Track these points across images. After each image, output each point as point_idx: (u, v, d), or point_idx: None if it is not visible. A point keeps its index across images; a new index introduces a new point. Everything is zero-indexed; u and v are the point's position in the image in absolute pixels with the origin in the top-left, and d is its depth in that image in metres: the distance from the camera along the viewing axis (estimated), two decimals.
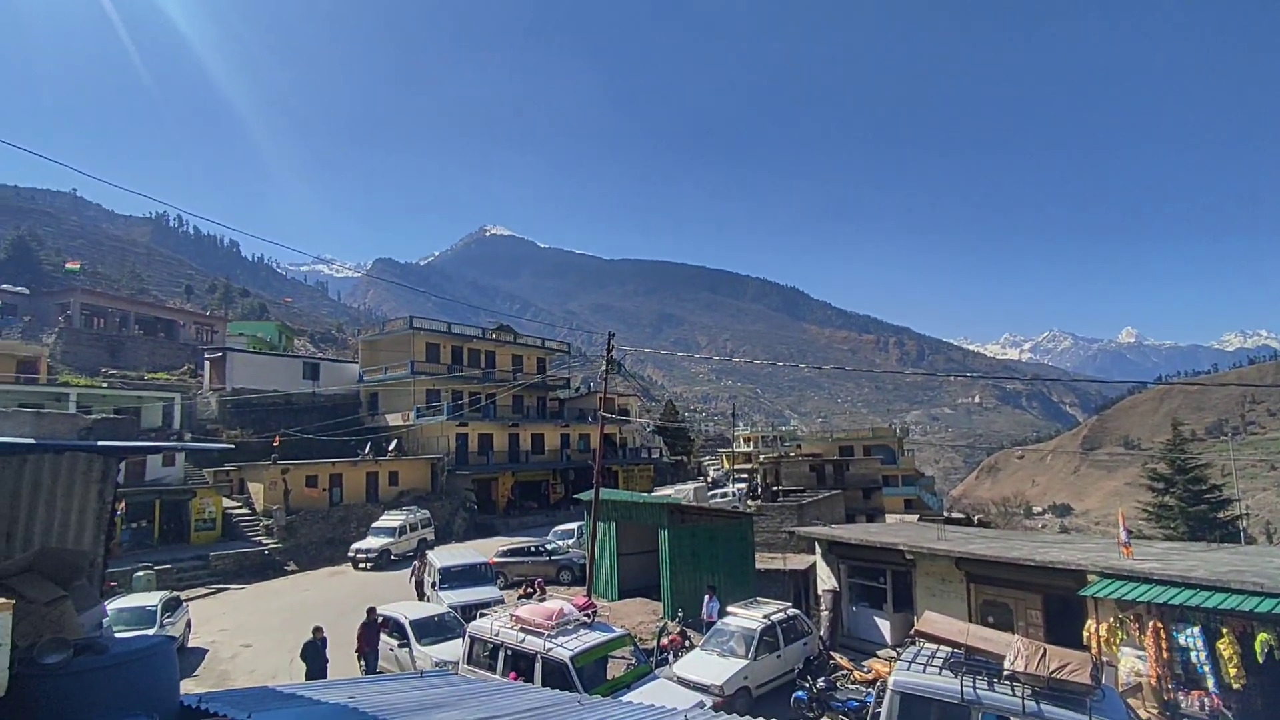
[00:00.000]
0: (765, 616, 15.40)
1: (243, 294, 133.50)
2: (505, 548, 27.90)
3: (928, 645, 11.13)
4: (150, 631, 15.43)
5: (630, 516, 23.50)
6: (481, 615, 13.94)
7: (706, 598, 18.31)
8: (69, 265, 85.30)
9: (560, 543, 28.87)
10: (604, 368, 25.79)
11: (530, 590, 21.23)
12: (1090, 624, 13.04)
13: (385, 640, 15.62)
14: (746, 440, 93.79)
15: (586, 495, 24.18)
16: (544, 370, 56.22)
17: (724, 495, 46.96)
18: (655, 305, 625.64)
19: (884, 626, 18.39)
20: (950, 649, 10.67)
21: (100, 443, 5.39)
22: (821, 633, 17.96)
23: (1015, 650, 9.35)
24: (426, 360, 46.95)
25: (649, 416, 77.31)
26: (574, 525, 31.11)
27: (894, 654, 15.84)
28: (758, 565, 22.44)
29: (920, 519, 38.23)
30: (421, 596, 17.87)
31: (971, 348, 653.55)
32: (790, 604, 17.37)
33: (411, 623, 15.43)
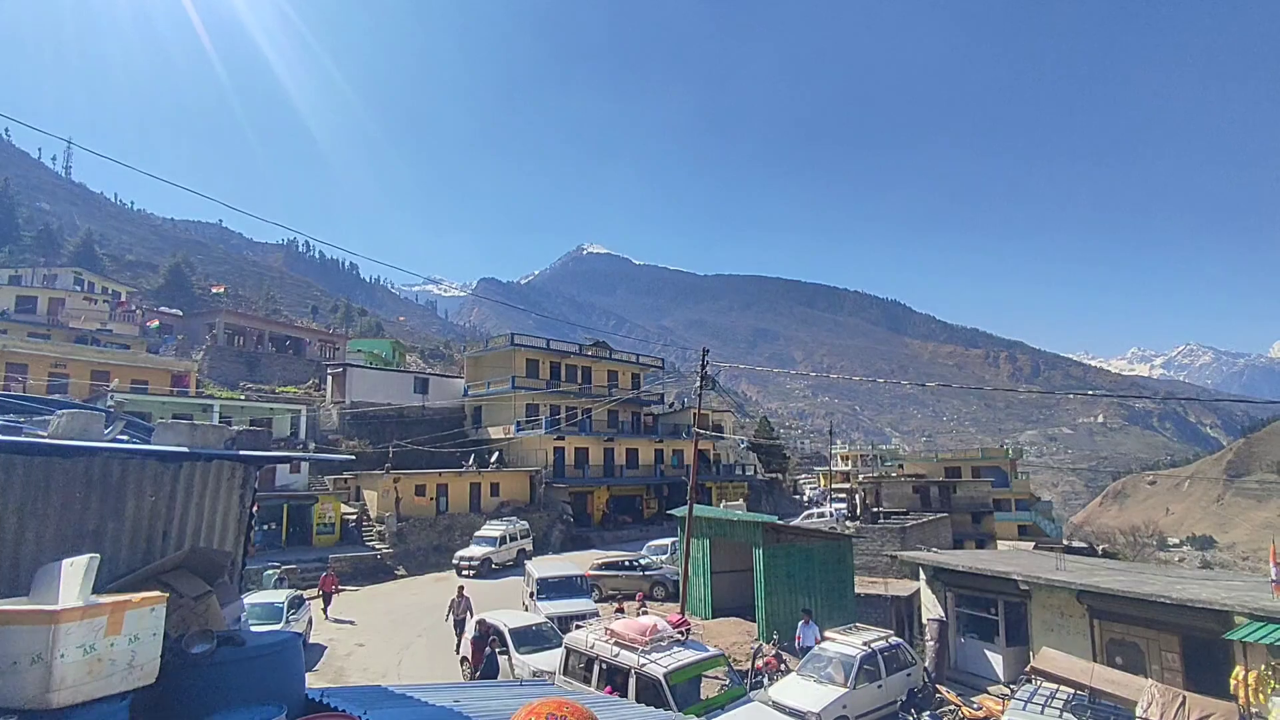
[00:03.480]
0: (865, 644, 14.84)
1: (361, 313, 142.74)
2: (600, 561, 28.28)
3: (1046, 684, 10.41)
4: (277, 626, 16.72)
5: (724, 534, 23.31)
6: (577, 627, 14.24)
7: (802, 622, 17.86)
8: (215, 289, 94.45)
9: (654, 558, 28.96)
10: (698, 384, 25.84)
11: (621, 606, 21.42)
12: (1238, 671, 11.77)
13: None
14: (844, 459, 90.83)
15: (680, 511, 24.18)
16: (638, 385, 56.81)
17: (821, 515, 45.64)
18: (750, 320, 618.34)
19: (995, 661, 17.29)
20: (1072, 690, 9.93)
21: (242, 452, 6.00)
22: (927, 664, 17.11)
23: (1149, 696, 8.61)
24: (526, 375, 48.57)
25: (743, 433, 76.40)
26: (668, 541, 31.15)
27: (1007, 691, 14.88)
28: (857, 590, 21.68)
29: (1036, 547, 35.76)
30: (460, 633, 18.52)
31: (1093, 363, 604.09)
32: (892, 632, 16.66)
33: (511, 631, 15.92)
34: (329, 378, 52.57)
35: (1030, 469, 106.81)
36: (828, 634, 15.75)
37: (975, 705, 14.50)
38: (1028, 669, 13.07)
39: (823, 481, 77.05)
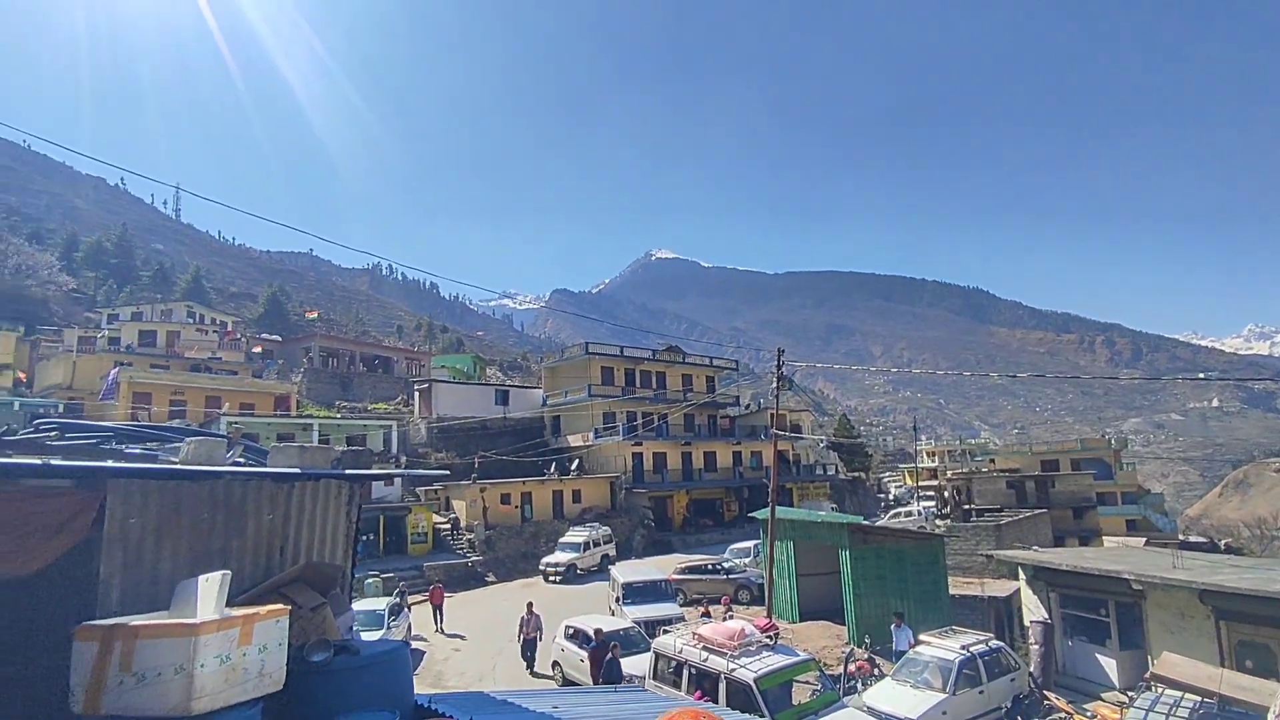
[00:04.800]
0: (964, 647, 14.26)
1: (442, 330, 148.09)
2: (683, 565, 28.32)
3: (1169, 692, 9.76)
4: (379, 633, 17.58)
5: (808, 535, 22.92)
6: (664, 631, 14.32)
7: (894, 625, 17.35)
8: (309, 314, 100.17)
9: (737, 561, 28.77)
10: (774, 384, 25.55)
11: (707, 610, 21.34)
12: None
13: (573, 650, 16.50)
14: (930, 455, 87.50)
15: (761, 513, 23.95)
16: (713, 388, 56.59)
17: (908, 514, 44.16)
18: (824, 317, 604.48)
19: (1108, 665, 16.29)
20: (1199, 698, 9.27)
21: (348, 471, 6.41)
22: (1032, 669, 16.30)
23: None
24: (602, 383, 49.21)
25: (822, 432, 74.83)
26: (750, 544, 30.88)
27: (1124, 699, 14.02)
28: (951, 591, 20.87)
29: (1148, 542, 33.46)
30: (528, 656, 18.21)
31: (1204, 343, 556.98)
32: (992, 635, 15.96)
33: (592, 633, 16.17)
34: (416, 394, 54.79)
35: (1136, 459, 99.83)
36: (922, 637, 15.24)
37: (1088, 713, 13.72)
38: (1147, 675, 12.28)
39: (908, 479, 74.50)
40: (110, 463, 6.09)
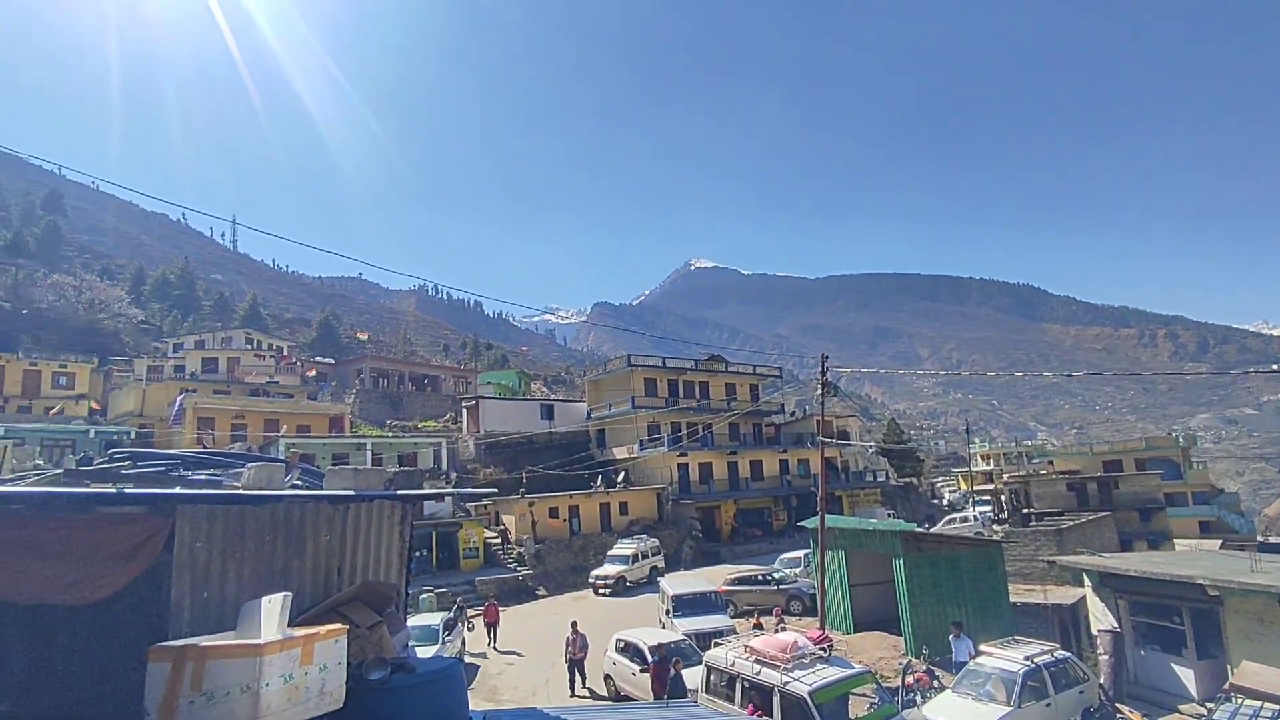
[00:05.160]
0: (1028, 658, 13.77)
1: (487, 347, 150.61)
2: (733, 576, 28.07)
3: (1249, 702, 9.27)
4: (434, 648, 17.86)
5: (860, 544, 22.49)
6: (716, 644, 14.22)
7: (952, 635, 16.87)
8: (360, 336, 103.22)
9: (787, 571, 28.38)
10: (819, 391, 25.23)
11: (759, 622, 21.09)
12: None
13: (625, 664, 16.49)
14: (985, 458, 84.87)
15: (811, 522, 23.60)
16: (757, 396, 56.14)
17: (964, 520, 42.91)
18: (868, 320, 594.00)
19: (1185, 676, 15.52)
20: None
21: (400, 492, 6.59)
22: (1102, 680, 15.64)
23: None
24: (645, 395, 49.31)
25: (870, 437, 73.42)
26: (800, 553, 30.44)
27: (1203, 710, 13.34)
28: (1012, 598, 20.20)
29: (1223, 545, 31.79)
30: (573, 677, 17.91)
31: (1276, 332, 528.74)
32: (1057, 645, 15.38)
33: (650, 648, 16.14)
34: (463, 411, 55.77)
35: (1207, 457, 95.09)
36: (983, 648, 14.78)
37: None
38: (1226, 686, 11.66)
39: (962, 483, 72.46)
40: (178, 489, 6.41)
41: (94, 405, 49.78)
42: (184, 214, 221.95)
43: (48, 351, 54.96)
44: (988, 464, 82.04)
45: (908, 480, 65.15)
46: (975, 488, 65.78)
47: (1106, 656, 16.61)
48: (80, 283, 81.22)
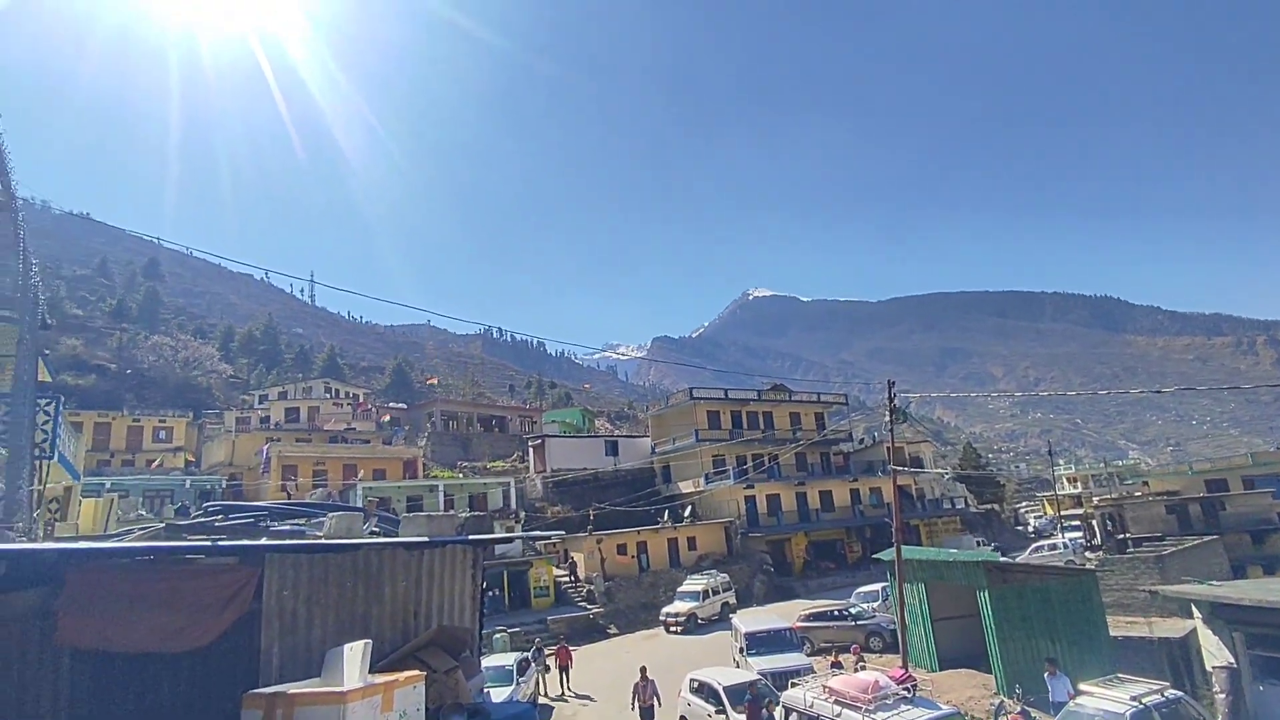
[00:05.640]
0: (1134, 698, 12.77)
1: (551, 386, 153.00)
2: (807, 611, 27.26)
3: None
4: (508, 689, 17.96)
5: (940, 576, 21.55)
6: (793, 684, 13.79)
7: (1047, 673, 15.88)
8: (430, 381, 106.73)
9: (864, 606, 27.38)
10: (887, 417, 24.59)
11: (837, 660, 20.38)
12: None
13: (700, 705, 16.16)
14: (1072, 481, 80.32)
15: (887, 554, 22.82)
16: (823, 425, 55.02)
17: (1053, 547, 40.58)
18: (935, 341, 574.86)
19: None
20: None
21: (471, 537, 6.82)
22: None
23: None
24: (709, 427, 49.02)
25: (945, 463, 70.59)
26: (877, 586, 29.35)
27: None
28: (1111, 632, 18.91)
29: None
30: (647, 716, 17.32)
31: None
32: (1167, 683, 14.27)
33: (725, 689, 15.78)
34: (530, 449, 56.65)
35: None
36: (1083, 687, 13.84)
37: None
38: None
39: (1049, 509, 68.58)
40: (265, 540, 6.80)
41: (189, 457, 52.93)
42: (266, 273, 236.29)
43: (149, 408, 59.09)
44: (1075, 487, 77.59)
45: (989, 507, 62.18)
46: (1063, 513, 62.13)
47: (1223, 695, 15.31)
48: (176, 343, 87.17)
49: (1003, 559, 24.40)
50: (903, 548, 20.71)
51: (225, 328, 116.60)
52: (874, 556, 31.13)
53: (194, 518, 7.98)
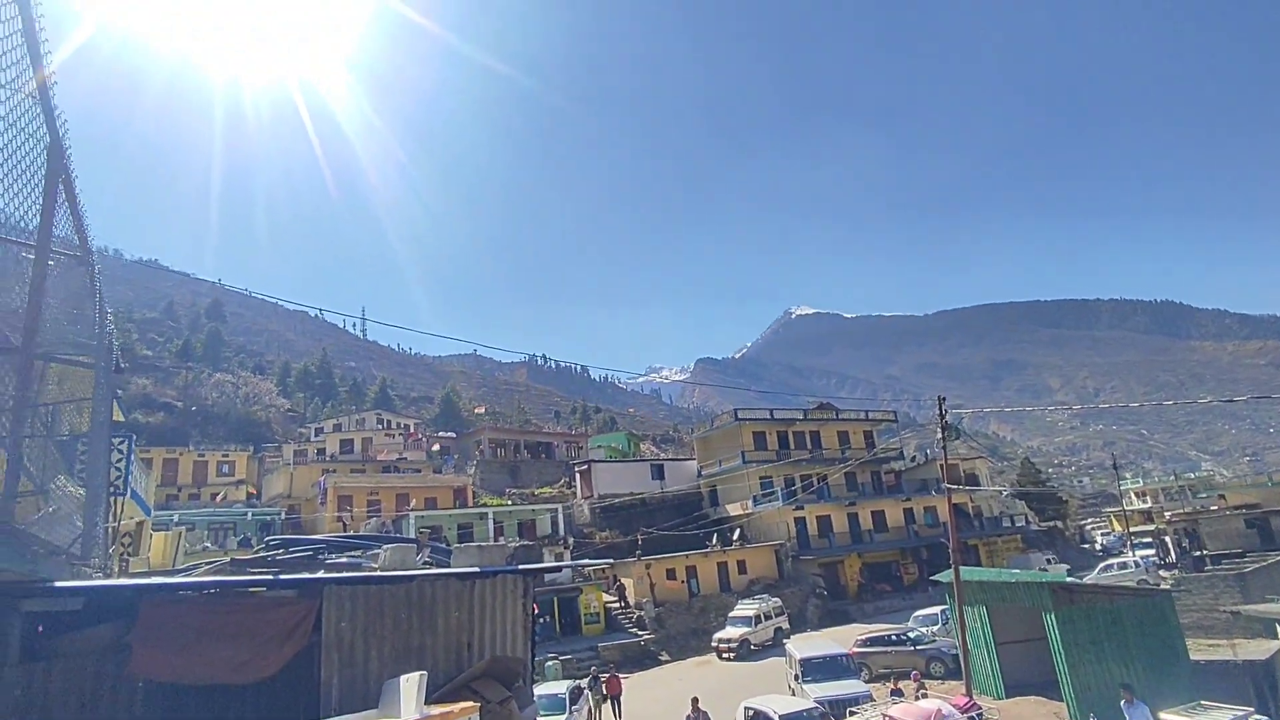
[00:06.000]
0: None
1: (596, 411, 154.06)
2: (864, 636, 26.52)
3: None
4: (561, 719, 17.90)
5: (1003, 598, 20.75)
6: (851, 713, 13.46)
7: (1124, 700, 15.10)
8: (477, 410, 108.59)
9: (923, 629, 26.53)
10: (939, 434, 23.99)
11: (897, 686, 19.74)
12: None
13: None
14: (1141, 495, 76.54)
15: (945, 576, 22.11)
16: (872, 443, 53.87)
17: (1123, 566, 38.71)
18: (987, 354, 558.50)
19: None
20: None
21: (521, 566, 6.93)
22: None
23: None
24: (755, 449, 48.51)
25: (1003, 479, 68.20)
26: (936, 609, 28.46)
27: None
28: (1191, 655, 17.90)
29: None
30: None
31: None
32: (1251, 708, 13.46)
33: (781, 717, 15.47)
34: (576, 475, 56.90)
35: None
36: (1165, 715, 13.16)
37: None
38: None
39: (1116, 525, 65.54)
40: (322, 573, 7.03)
41: (251, 489, 54.76)
42: (320, 311, 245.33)
43: (213, 443, 61.58)
44: (1144, 502, 73.99)
45: (1051, 524, 59.78)
46: (1133, 529, 59.31)
47: None
48: (238, 379, 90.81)
49: (1069, 578, 23.36)
50: (962, 568, 20.08)
51: (283, 364, 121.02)
52: (931, 578, 30.20)
53: (256, 551, 8.30)
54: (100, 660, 6.37)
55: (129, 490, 16.78)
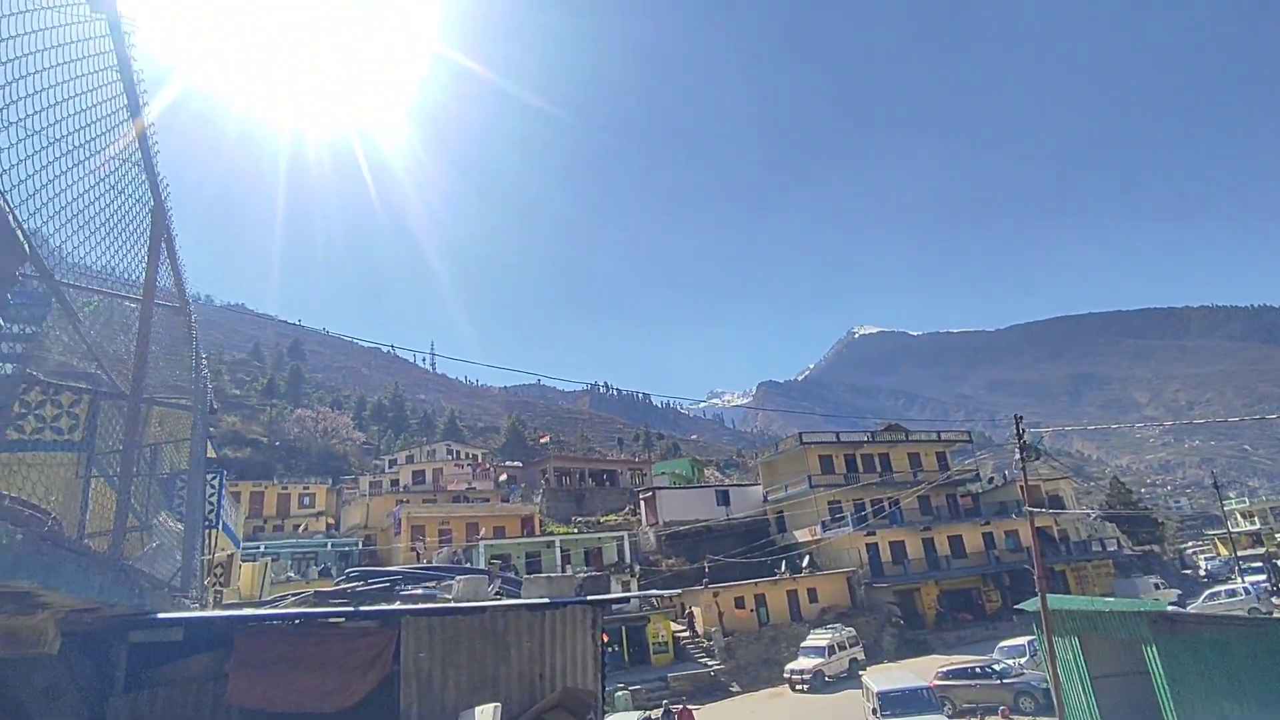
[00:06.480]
0: None
1: (659, 437, 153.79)
2: (946, 668, 25.37)
3: None
4: None
5: (1095, 628, 19.55)
6: None
7: None
8: (542, 439, 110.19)
9: (1010, 661, 25.20)
10: (1017, 454, 23.00)
11: None
12: None
13: None
14: (1247, 515, 70.94)
15: (1031, 604, 20.98)
16: (946, 465, 51.91)
17: (1230, 593, 35.90)
18: (1065, 368, 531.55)
19: None
20: None
21: (590, 597, 7.02)
22: None
23: None
24: (822, 472, 47.46)
25: (1090, 500, 64.45)
26: (1023, 640, 26.97)
27: None
28: None
29: None
30: None
31: None
32: None
33: None
34: (641, 502, 56.83)
35: None
36: None
37: None
38: None
39: (1221, 548, 60.87)
40: (400, 604, 7.30)
41: (330, 520, 56.87)
42: (391, 347, 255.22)
43: (295, 476, 64.44)
44: (1251, 522, 68.56)
45: (1146, 548, 55.99)
46: (1240, 553, 54.96)
47: None
48: (317, 414, 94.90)
49: (1171, 606, 21.86)
50: (1050, 596, 19.06)
51: (358, 398, 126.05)
52: (1016, 607, 28.72)
53: (336, 582, 8.67)
54: (200, 689, 6.77)
55: (221, 523, 17.78)
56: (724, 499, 54.88)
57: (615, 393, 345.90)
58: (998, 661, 25.11)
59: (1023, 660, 25.28)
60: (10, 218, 3.23)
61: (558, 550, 42.70)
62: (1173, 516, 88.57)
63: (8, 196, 3.08)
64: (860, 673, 26.10)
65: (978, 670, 24.34)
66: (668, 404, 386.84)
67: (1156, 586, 41.94)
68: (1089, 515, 51.74)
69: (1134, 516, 61.17)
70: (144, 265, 5.66)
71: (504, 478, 69.44)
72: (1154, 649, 16.68)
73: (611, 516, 58.38)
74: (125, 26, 4.10)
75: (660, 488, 57.43)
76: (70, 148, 3.67)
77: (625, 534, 46.95)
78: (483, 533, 44.09)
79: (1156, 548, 58.33)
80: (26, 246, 3.41)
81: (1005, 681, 23.28)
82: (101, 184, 4.38)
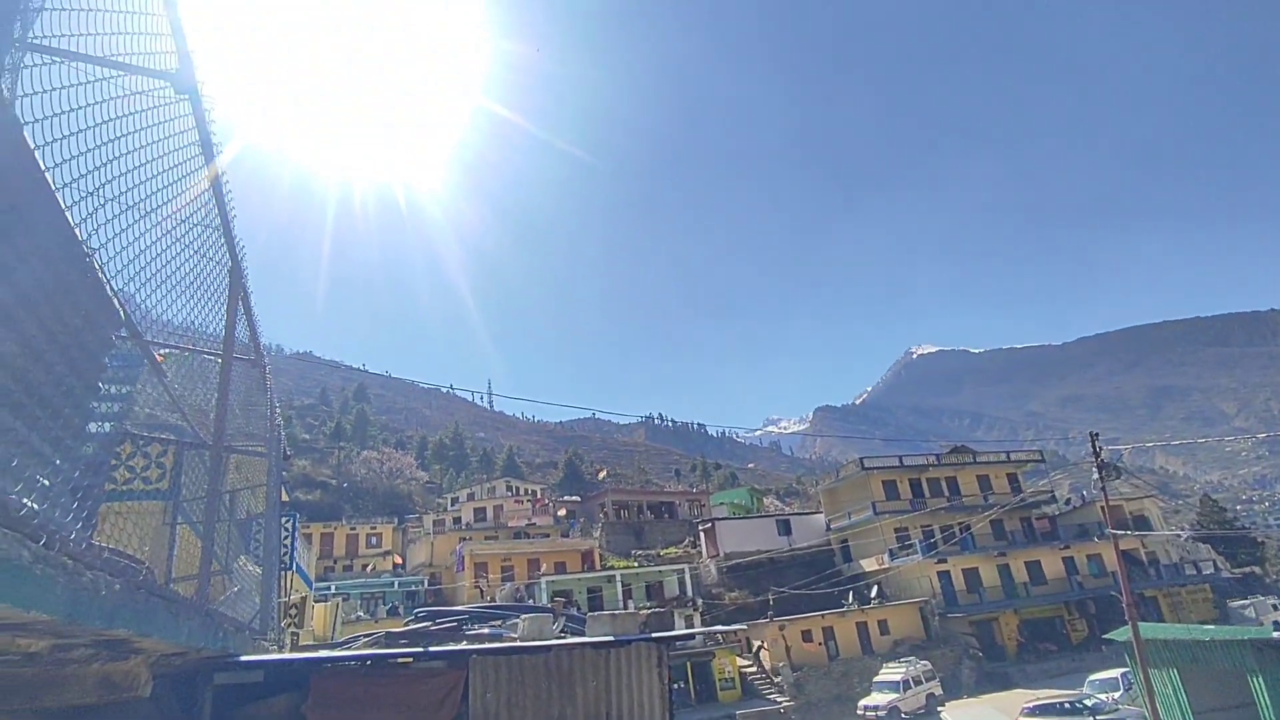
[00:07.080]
0: None
1: (716, 467, 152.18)
2: (1032, 703, 23.95)
3: None
4: None
5: (1195, 658, 18.25)
6: None
7: None
8: (599, 473, 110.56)
9: (1102, 696, 23.64)
10: (1095, 473, 21.91)
11: None
12: None
13: None
14: None
15: (1121, 634, 19.76)
16: (1018, 487, 49.63)
17: None
18: (1142, 380, 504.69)
19: None
20: None
21: (655, 634, 6.97)
22: None
23: None
24: (886, 498, 46.03)
25: (1178, 520, 60.50)
26: (1116, 672, 25.32)
27: None
28: None
29: None
30: None
31: None
32: None
33: None
34: (700, 534, 56.10)
35: None
36: None
37: None
38: None
39: None
40: (467, 644, 7.39)
41: (396, 559, 58.01)
42: (450, 387, 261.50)
43: (362, 516, 66.20)
44: None
45: (1247, 570, 52.10)
46: None
47: None
48: (382, 455, 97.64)
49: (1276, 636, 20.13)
50: (1142, 624, 17.94)
51: (420, 438, 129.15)
52: (1105, 636, 27.03)
53: (405, 622, 8.85)
54: None
55: (295, 565, 18.37)
56: (785, 528, 53.69)
57: (670, 424, 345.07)
58: (1089, 696, 23.60)
59: (1117, 695, 23.69)
60: (107, 287, 3.53)
61: (619, 584, 42.42)
62: (1273, 535, 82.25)
63: (105, 268, 3.36)
64: (939, 709, 24.92)
65: (1068, 706, 22.89)
66: (723, 433, 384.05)
67: (1274, 608, 38.81)
68: (1179, 536, 48.48)
69: (1230, 536, 57.06)
70: (223, 322, 6.01)
71: (563, 513, 69.67)
72: (1260, 680, 15.49)
73: (671, 549, 57.76)
74: (205, 104, 4.45)
75: (720, 519, 56.65)
76: (159, 220, 3.98)
77: (686, 566, 46.34)
78: (544, 568, 44.21)
79: (1258, 569, 54.20)
80: (122, 313, 3.69)
81: (1099, 718, 21.84)
82: (186, 250, 4.72)
